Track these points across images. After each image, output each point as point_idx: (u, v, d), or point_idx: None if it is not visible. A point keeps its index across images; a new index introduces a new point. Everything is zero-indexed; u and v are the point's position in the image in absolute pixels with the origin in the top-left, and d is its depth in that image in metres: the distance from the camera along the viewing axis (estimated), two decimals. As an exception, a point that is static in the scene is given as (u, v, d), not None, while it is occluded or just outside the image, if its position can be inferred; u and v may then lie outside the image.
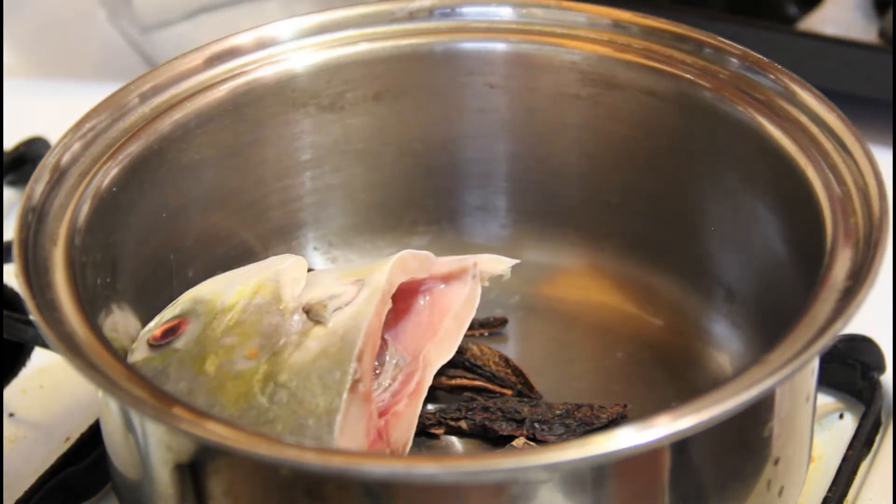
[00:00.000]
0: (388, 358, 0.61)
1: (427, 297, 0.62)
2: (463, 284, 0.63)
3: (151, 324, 0.60)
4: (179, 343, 0.58)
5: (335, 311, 0.57)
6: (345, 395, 0.54)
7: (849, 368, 0.67)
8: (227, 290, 0.59)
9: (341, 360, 0.55)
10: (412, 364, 0.61)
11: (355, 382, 0.55)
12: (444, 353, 0.62)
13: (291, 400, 0.54)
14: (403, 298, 0.62)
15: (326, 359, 0.56)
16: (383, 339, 0.61)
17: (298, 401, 0.55)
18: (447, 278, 0.63)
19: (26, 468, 0.65)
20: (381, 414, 0.58)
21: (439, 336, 0.62)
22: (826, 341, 0.50)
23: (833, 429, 0.65)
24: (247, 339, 0.57)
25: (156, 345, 0.58)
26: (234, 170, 0.68)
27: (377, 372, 0.60)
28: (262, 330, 0.57)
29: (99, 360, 0.51)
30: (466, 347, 0.64)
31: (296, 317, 0.58)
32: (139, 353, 0.58)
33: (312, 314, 0.57)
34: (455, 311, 0.62)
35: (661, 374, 0.66)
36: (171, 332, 0.58)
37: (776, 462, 0.55)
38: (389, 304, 0.59)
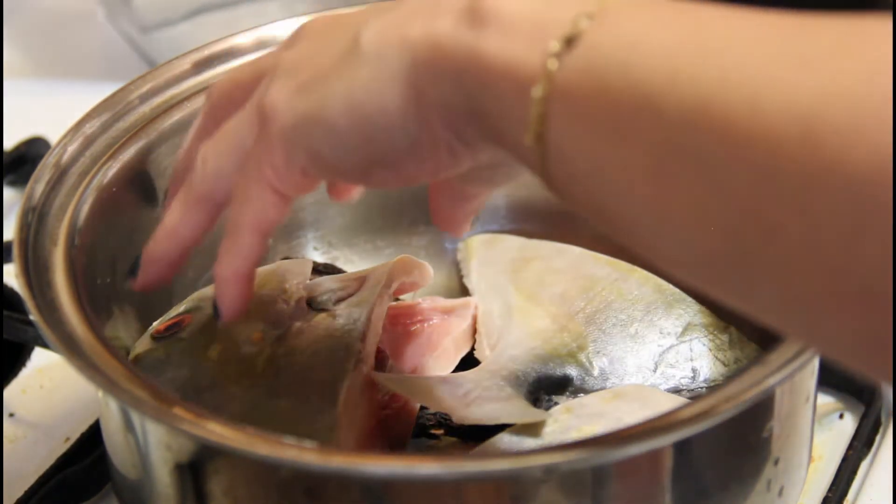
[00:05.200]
0: (387, 370, 0.61)
1: (427, 325, 0.63)
2: (462, 319, 0.64)
3: (156, 322, 0.60)
4: (184, 333, 0.58)
5: (338, 302, 0.58)
6: (350, 370, 0.55)
7: (849, 368, 0.66)
8: None
9: (346, 340, 0.56)
10: (412, 373, 0.62)
11: (359, 363, 0.55)
12: (442, 369, 0.62)
13: (295, 379, 0.55)
14: (404, 324, 0.62)
15: (331, 339, 0.56)
16: (383, 351, 0.61)
17: (302, 379, 0.55)
18: (448, 311, 0.64)
19: (26, 468, 0.65)
20: (383, 408, 0.59)
21: (438, 352, 0.62)
22: (826, 341, 0.50)
23: (833, 429, 0.65)
24: (252, 326, 0.57)
25: (159, 337, 0.58)
26: (234, 170, 0.68)
27: None
28: (266, 317, 0.58)
29: (99, 360, 0.51)
30: None
31: (301, 305, 0.58)
32: (142, 346, 0.58)
33: (316, 304, 0.58)
34: (454, 335, 0.63)
35: (661, 374, 0.66)
36: (176, 325, 0.58)
37: (776, 462, 0.55)
38: (391, 299, 0.59)
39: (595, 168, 0.41)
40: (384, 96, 0.45)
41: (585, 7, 0.41)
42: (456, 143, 0.46)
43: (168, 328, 0.58)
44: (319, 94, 0.47)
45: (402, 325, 0.62)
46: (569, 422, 0.57)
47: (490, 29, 0.43)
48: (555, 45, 0.41)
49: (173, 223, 0.52)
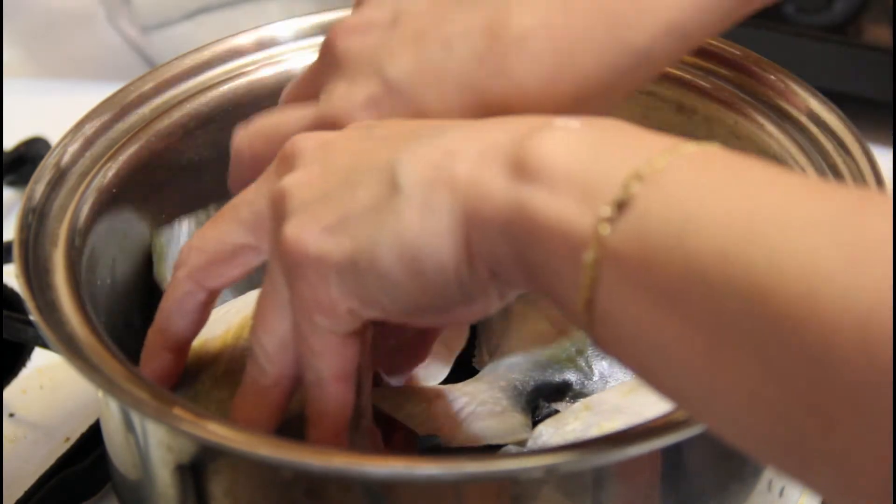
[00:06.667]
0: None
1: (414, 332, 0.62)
2: None
3: None
4: None
5: None
6: (353, 432, 0.54)
7: None
8: (210, 336, 0.58)
9: None
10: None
11: (357, 419, 0.54)
12: (436, 375, 0.61)
13: None
14: (393, 336, 0.61)
15: None
16: (376, 374, 0.60)
17: None
18: None
19: (26, 468, 0.65)
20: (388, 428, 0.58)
21: (427, 361, 0.61)
22: (826, 342, 0.50)
23: (833, 429, 0.65)
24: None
25: None
26: (235, 170, 0.68)
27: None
28: None
29: (99, 361, 0.51)
30: None
31: None
32: None
33: None
34: (444, 337, 0.61)
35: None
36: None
37: (776, 462, 0.55)
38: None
39: (644, 335, 0.40)
40: (441, 253, 0.45)
41: (635, 163, 0.41)
42: (505, 288, 0.46)
43: None
44: (362, 238, 0.46)
45: (391, 339, 0.61)
46: (589, 419, 0.56)
47: (539, 185, 0.42)
48: (606, 210, 0.40)
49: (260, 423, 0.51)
